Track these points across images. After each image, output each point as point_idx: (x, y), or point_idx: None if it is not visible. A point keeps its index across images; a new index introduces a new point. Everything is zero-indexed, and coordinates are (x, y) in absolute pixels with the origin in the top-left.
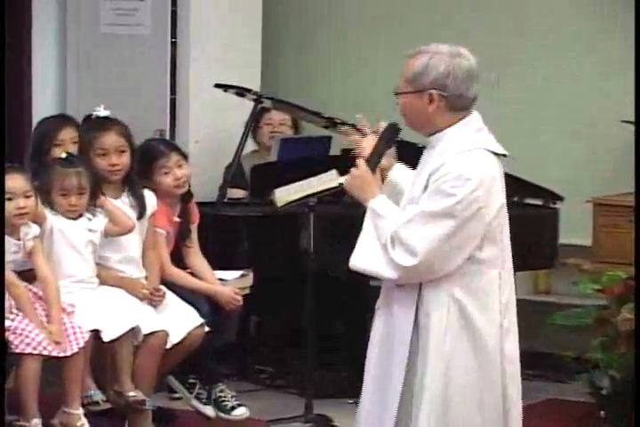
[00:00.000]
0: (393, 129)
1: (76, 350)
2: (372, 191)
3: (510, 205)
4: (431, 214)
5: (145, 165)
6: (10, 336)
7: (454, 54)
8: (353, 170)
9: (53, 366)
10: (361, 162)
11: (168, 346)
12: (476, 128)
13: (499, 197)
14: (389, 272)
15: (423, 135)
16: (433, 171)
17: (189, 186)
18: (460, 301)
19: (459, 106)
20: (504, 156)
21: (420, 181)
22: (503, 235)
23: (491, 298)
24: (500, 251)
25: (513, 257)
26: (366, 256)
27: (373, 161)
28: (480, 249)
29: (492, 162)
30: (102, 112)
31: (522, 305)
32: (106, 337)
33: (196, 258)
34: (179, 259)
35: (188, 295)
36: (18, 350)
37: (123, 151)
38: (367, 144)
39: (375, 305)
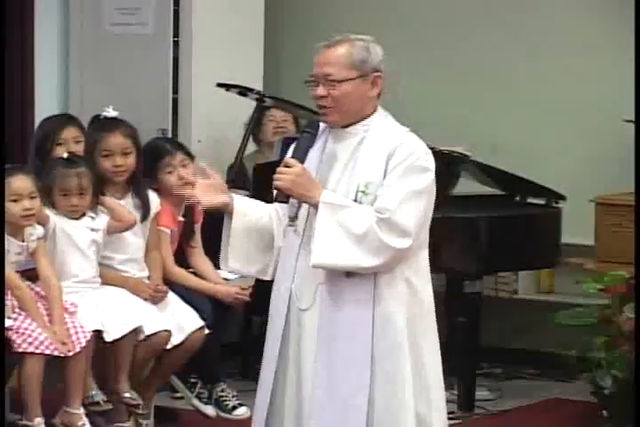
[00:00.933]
0: (313, 125)
1: (77, 349)
2: (316, 187)
3: (513, 204)
4: (417, 192)
5: (150, 163)
6: (12, 335)
7: (375, 40)
8: (287, 170)
9: (55, 366)
10: (292, 161)
11: (168, 346)
12: (386, 113)
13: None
14: (372, 260)
15: (341, 124)
16: (390, 154)
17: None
18: (409, 278)
19: (383, 90)
20: None
21: (371, 167)
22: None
23: (428, 275)
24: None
25: (516, 257)
26: (334, 251)
27: (298, 159)
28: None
29: None
30: (111, 113)
31: (525, 304)
32: (108, 337)
33: (200, 258)
34: (182, 259)
35: (190, 295)
36: (20, 349)
37: (128, 153)
38: (201, 187)
39: None
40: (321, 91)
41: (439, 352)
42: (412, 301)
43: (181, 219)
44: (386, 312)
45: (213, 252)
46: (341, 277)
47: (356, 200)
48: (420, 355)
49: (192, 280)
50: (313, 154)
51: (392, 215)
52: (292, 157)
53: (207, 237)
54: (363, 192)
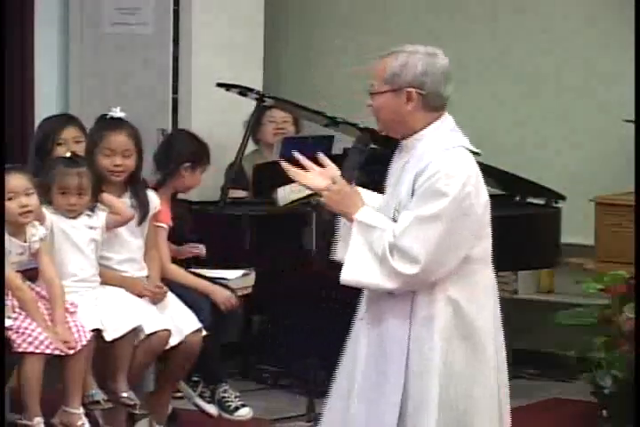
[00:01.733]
0: (364, 139)
1: (78, 348)
2: (355, 204)
3: (513, 204)
4: (427, 218)
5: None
6: (12, 335)
7: (430, 54)
8: (330, 185)
9: (55, 366)
10: (337, 175)
11: (166, 348)
12: (450, 128)
13: (485, 194)
14: (389, 283)
15: (396, 137)
16: (418, 173)
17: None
18: (456, 301)
19: (434, 105)
20: (478, 154)
21: (405, 186)
22: (489, 233)
23: (486, 297)
24: (490, 247)
25: (516, 257)
26: (360, 270)
27: (348, 173)
28: (472, 247)
29: (473, 160)
30: (118, 113)
31: (524, 304)
32: (108, 337)
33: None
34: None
35: (189, 296)
36: (20, 349)
37: (128, 155)
38: (310, 177)
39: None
40: (368, 100)
41: (486, 383)
42: (458, 323)
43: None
44: (421, 335)
45: (212, 251)
46: (383, 293)
47: (393, 219)
48: (452, 382)
49: (188, 278)
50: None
51: (396, 241)
52: (342, 173)
53: (206, 236)
54: (397, 211)
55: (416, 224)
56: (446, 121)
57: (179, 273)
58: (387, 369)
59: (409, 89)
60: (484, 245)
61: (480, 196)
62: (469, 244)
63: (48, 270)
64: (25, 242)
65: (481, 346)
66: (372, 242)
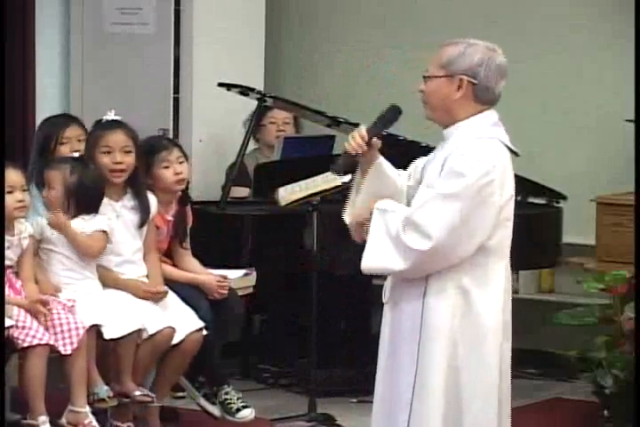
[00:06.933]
0: (394, 110)
1: (76, 345)
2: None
3: (513, 204)
4: (445, 196)
5: (145, 158)
6: (14, 333)
7: (490, 48)
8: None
9: (58, 366)
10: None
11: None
12: (493, 122)
13: (510, 187)
14: (400, 263)
15: (439, 125)
16: (447, 156)
17: (187, 188)
18: (467, 290)
19: (484, 98)
20: (515, 154)
21: (434, 168)
22: (509, 228)
23: (497, 290)
24: (507, 241)
25: (516, 257)
26: (376, 254)
27: (376, 129)
28: (490, 238)
29: (505, 153)
30: (112, 117)
31: (525, 304)
32: (107, 334)
33: (190, 259)
34: (170, 259)
35: (188, 295)
36: (26, 344)
37: (128, 152)
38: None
39: (382, 304)
40: (420, 85)
41: (490, 372)
42: (465, 314)
43: (170, 218)
44: (432, 323)
45: (213, 251)
46: (399, 278)
47: None
48: (459, 373)
49: (174, 273)
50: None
51: (411, 215)
52: (369, 127)
53: (207, 235)
54: None
55: (433, 201)
56: (490, 116)
57: (165, 269)
58: (402, 359)
59: (462, 77)
60: (500, 238)
61: (505, 188)
62: (485, 232)
63: (25, 270)
64: (12, 236)
65: (485, 338)
66: (387, 224)
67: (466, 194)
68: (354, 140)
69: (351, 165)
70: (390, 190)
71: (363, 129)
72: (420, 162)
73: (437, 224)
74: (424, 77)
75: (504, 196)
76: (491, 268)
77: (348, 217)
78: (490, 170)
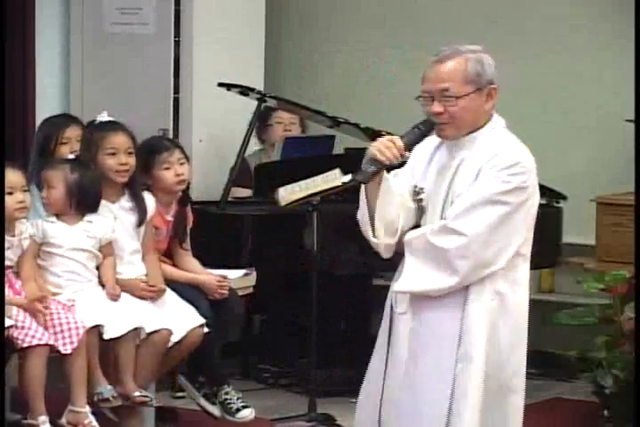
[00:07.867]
0: (429, 122)
1: (76, 344)
2: None
3: None
4: (484, 200)
5: (146, 158)
6: (14, 333)
7: (480, 49)
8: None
9: (58, 366)
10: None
11: (169, 344)
12: (503, 126)
13: (537, 191)
14: (447, 280)
15: (456, 138)
16: (484, 162)
17: (188, 188)
18: (503, 293)
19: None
20: None
21: (466, 180)
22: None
23: (525, 291)
24: (531, 243)
25: None
26: (418, 277)
27: (408, 139)
28: (525, 241)
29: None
30: (105, 118)
31: None
32: (106, 335)
33: (190, 259)
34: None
35: (187, 294)
36: (26, 344)
37: (131, 153)
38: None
39: (382, 304)
40: (437, 107)
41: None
42: (502, 317)
43: (170, 218)
44: (472, 328)
45: (213, 251)
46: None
47: (442, 216)
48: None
49: (174, 273)
50: (422, 164)
51: (447, 222)
52: (403, 137)
53: (207, 235)
54: (452, 203)
55: (471, 208)
56: (499, 119)
57: (165, 269)
58: (438, 364)
59: (491, 86)
60: (529, 240)
61: (536, 193)
62: (522, 236)
63: (25, 270)
64: (13, 237)
65: (517, 340)
66: (419, 247)
67: (505, 200)
68: (389, 151)
69: (378, 174)
70: (396, 202)
71: (398, 140)
72: (409, 168)
73: (472, 225)
74: (448, 97)
75: (536, 199)
76: (520, 270)
77: (360, 213)
78: (527, 178)
